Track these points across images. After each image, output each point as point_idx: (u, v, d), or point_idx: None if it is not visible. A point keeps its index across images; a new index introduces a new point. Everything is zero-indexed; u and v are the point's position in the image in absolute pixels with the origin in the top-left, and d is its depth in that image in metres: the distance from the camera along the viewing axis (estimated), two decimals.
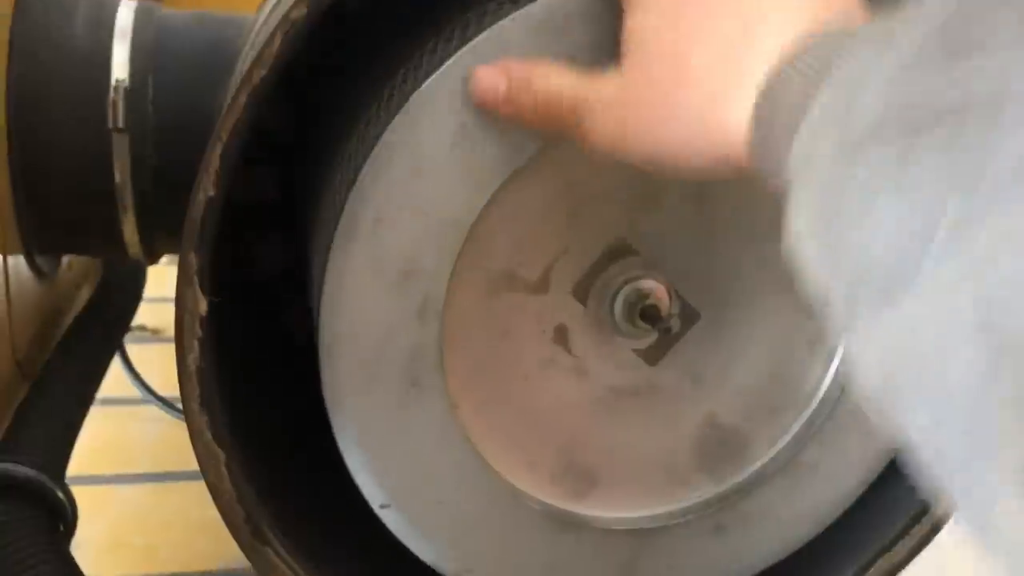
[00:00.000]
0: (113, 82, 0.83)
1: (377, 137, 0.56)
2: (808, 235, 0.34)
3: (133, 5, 0.91)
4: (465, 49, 0.55)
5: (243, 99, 0.52)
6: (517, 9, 0.54)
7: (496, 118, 0.54)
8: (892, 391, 0.28)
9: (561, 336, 0.67)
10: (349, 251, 0.57)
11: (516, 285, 0.64)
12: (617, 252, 0.66)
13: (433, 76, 0.55)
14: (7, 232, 0.81)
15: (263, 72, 0.52)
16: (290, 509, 0.65)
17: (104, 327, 1.01)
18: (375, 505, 0.63)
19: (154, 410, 1.47)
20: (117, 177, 0.83)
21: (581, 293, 0.66)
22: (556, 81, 0.50)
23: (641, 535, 0.69)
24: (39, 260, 0.88)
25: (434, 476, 0.63)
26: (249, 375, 0.67)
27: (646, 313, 0.65)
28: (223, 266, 0.58)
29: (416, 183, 0.57)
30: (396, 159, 0.56)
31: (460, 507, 0.65)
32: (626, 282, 0.66)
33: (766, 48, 0.40)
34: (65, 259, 0.97)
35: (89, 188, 0.84)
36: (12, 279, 0.81)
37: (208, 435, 0.59)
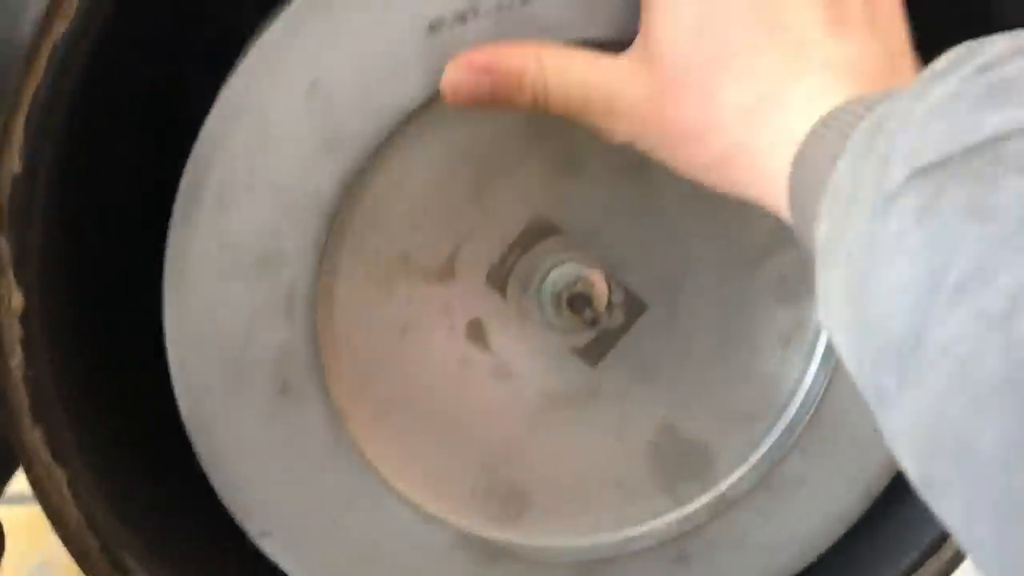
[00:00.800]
0: None
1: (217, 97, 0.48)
2: (836, 313, 0.32)
3: None
4: None
5: (42, 61, 0.44)
6: None
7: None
8: (927, 479, 0.26)
9: (476, 332, 0.57)
10: (190, 233, 0.49)
11: (414, 272, 0.55)
12: (539, 231, 0.56)
13: (275, 22, 0.47)
14: None
15: (63, 27, 0.44)
16: (160, 534, 0.56)
17: None
18: (252, 533, 0.54)
19: None
20: None
21: (498, 281, 0.56)
22: (578, 72, 0.45)
23: (585, 568, 0.59)
24: None
25: (321, 498, 0.54)
26: (106, 378, 0.57)
27: (575, 303, 0.55)
28: (65, 252, 0.51)
29: (263, 152, 0.48)
30: (239, 123, 0.48)
31: (356, 534, 0.55)
32: (553, 267, 0.56)
33: (803, 97, 0.39)
34: None
35: None
36: None
37: (46, 454, 0.50)
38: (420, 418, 0.57)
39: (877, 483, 0.60)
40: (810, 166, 0.37)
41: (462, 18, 0.48)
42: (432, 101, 0.49)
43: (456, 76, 0.46)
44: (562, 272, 0.55)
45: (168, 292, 0.50)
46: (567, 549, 0.59)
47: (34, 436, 0.50)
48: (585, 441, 0.59)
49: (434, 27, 0.48)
